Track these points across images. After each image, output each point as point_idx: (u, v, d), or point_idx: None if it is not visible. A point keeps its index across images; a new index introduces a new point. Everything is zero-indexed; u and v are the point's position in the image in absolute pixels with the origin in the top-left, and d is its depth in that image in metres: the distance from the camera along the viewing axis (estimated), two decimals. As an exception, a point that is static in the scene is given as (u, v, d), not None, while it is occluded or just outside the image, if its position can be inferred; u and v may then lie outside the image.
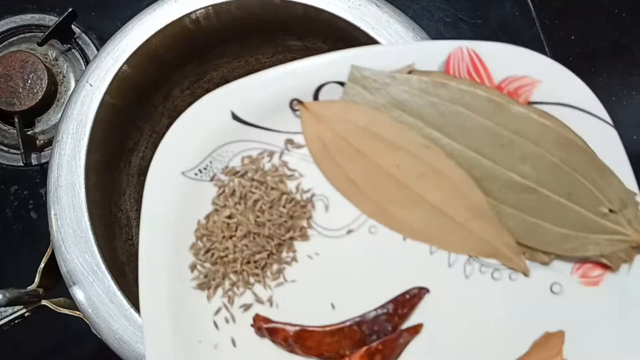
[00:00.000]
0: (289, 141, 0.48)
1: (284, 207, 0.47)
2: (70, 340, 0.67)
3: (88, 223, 0.53)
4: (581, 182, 0.43)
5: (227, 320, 0.47)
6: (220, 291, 0.47)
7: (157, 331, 0.46)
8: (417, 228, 0.46)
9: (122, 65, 0.56)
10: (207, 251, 0.47)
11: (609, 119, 0.44)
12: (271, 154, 0.48)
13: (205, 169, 0.47)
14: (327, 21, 0.55)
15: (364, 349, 0.45)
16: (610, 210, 0.43)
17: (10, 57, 0.73)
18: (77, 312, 0.51)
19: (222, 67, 0.66)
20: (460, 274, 0.46)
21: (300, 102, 0.46)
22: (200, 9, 0.56)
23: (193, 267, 0.47)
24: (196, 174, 0.47)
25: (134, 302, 0.52)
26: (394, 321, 0.45)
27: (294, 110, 0.47)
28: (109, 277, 0.51)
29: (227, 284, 0.47)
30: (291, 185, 0.48)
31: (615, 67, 0.74)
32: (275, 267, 0.47)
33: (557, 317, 0.45)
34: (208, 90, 0.59)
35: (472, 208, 0.44)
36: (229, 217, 0.47)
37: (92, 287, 0.51)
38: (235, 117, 0.47)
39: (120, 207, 0.65)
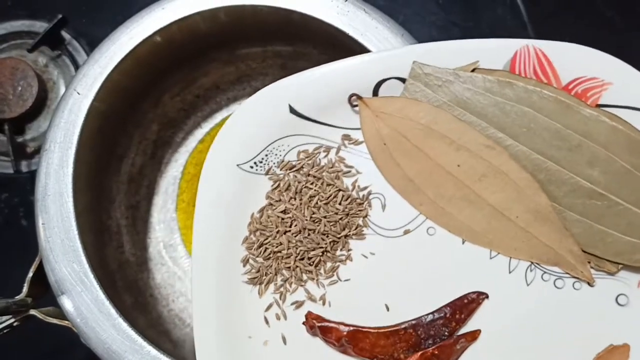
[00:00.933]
0: (347, 137, 0.47)
1: (340, 204, 0.46)
2: (60, 350, 0.66)
3: (76, 232, 0.52)
4: (653, 189, 0.41)
5: (278, 317, 0.46)
6: (272, 287, 0.46)
7: (207, 324, 0.45)
8: (477, 231, 0.44)
9: (110, 73, 0.55)
10: (261, 245, 0.46)
11: (683, 124, 0.42)
12: (328, 150, 0.47)
13: (261, 162, 0.47)
14: (317, 27, 0.54)
15: (419, 353, 0.43)
16: (683, 220, 0.40)
17: (0, 64, 0.72)
18: (66, 322, 0.49)
19: (212, 73, 0.65)
20: (522, 280, 0.44)
21: (359, 97, 0.45)
22: (188, 16, 0.56)
23: (245, 261, 0.46)
24: (252, 167, 0.46)
25: (123, 311, 0.51)
26: (451, 326, 0.44)
27: (353, 106, 0.46)
28: (97, 286, 0.51)
29: (279, 279, 0.46)
30: (348, 182, 0.47)
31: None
32: (329, 264, 0.46)
33: (622, 330, 0.43)
34: (198, 97, 0.61)
35: (536, 212, 0.43)
36: (284, 212, 0.46)
37: (80, 297, 0.48)
38: (293, 111, 0.46)
39: (110, 215, 0.65)
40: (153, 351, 0.48)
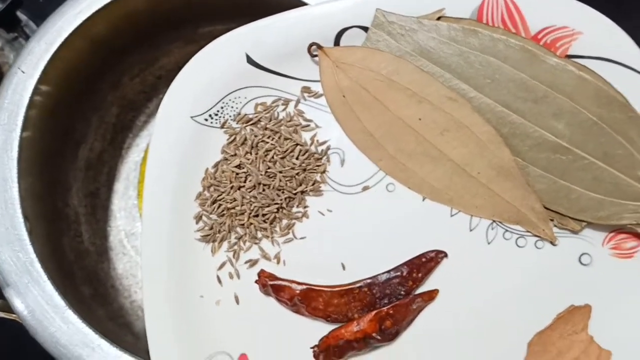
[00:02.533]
0: (306, 89, 0.45)
1: (297, 158, 0.44)
2: (9, 345, 0.64)
3: (21, 219, 0.49)
4: (620, 142, 0.39)
5: (231, 276, 0.44)
6: (225, 245, 0.45)
7: (156, 283, 0.44)
8: (438, 188, 0.42)
9: (57, 51, 0.51)
10: (214, 202, 0.44)
11: (654, 76, 0.40)
12: (286, 102, 0.45)
13: (216, 114, 0.44)
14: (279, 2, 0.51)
15: (374, 312, 0.42)
16: (651, 175, 0.39)
17: (-47, 47, 0.69)
18: (13, 315, 0.47)
19: (174, 52, 0.62)
20: (482, 239, 0.42)
21: (319, 46, 0.43)
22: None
23: (198, 218, 0.45)
24: (206, 120, 0.44)
25: (80, 303, 0.50)
26: (407, 285, 0.42)
27: (313, 56, 0.44)
28: (44, 277, 0.48)
29: (233, 237, 0.44)
30: (306, 136, 0.45)
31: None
32: (284, 222, 0.44)
33: (584, 290, 0.42)
34: (160, 78, 0.58)
35: (498, 167, 0.41)
36: (239, 166, 0.44)
37: (27, 288, 0.46)
38: (250, 61, 0.44)
39: (67, 202, 0.61)
40: (105, 344, 0.46)
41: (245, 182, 0.44)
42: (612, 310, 0.41)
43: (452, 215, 0.43)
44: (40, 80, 0.50)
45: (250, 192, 0.44)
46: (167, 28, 0.60)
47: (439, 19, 0.42)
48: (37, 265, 0.47)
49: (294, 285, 0.42)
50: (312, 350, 0.42)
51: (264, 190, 0.44)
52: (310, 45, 0.43)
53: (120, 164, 0.63)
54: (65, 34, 0.50)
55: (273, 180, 0.43)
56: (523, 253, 0.42)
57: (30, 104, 0.50)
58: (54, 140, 0.56)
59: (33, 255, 0.47)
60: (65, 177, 0.60)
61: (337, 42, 0.44)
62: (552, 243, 0.41)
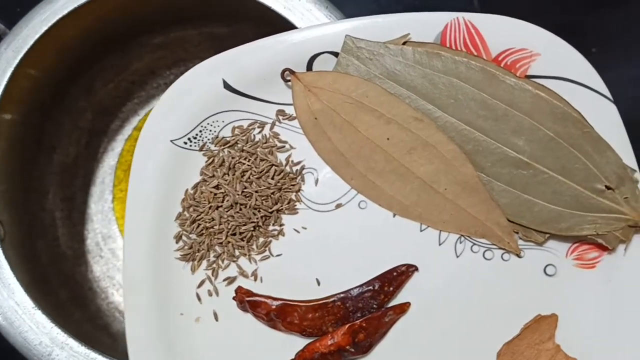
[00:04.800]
0: (281, 112, 0.47)
1: (272, 178, 0.46)
2: None
3: None
4: (577, 156, 0.41)
5: (210, 294, 0.46)
6: (204, 263, 0.46)
7: (138, 301, 0.45)
8: (407, 204, 0.44)
9: (25, 57, 0.52)
10: (193, 222, 0.46)
11: (608, 94, 0.42)
12: (262, 125, 0.47)
13: (195, 137, 0.47)
14: (251, 6, 0.53)
15: (347, 326, 0.43)
16: (607, 187, 0.41)
17: None
18: None
19: (146, 57, 0.63)
20: (451, 252, 0.44)
21: (291, 71, 0.45)
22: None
23: (178, 238, 0.46)
24: (185, 143, 0.46)
25: (53, 307, 0.51)
26: (379, 298, 0.43)
27: (286, 81, 0.46)
28: (14, 280, 0.49)
29: (212, 256, 0.46)
30: (281, 157, 0.47)
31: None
32: (261, 240, 0.46)
33: (550, 300, 0.43)
34: (133, 83, 0.58)
35: (463, 183, 0.43)
36: (217, 187, 0.46)
37: None
38: (227, 86, 0.46)
39: (43, 207, 0.63)
40: (74, 343, 0.49)
41: (223, 202, 0.46)
42: (577, 319, 0.42)
43: (421, 231, 0.44)
44: (9, 87, 0.51)
45: (227, 211, 0.45)
46: (139, 33, 0.62)
47: (404, 43, 0.44)
48: (7, 269, 0.49)
49: (269, 301, 0.44)
50: (287, 362, 0.43)
51: (240, 209, 0.45)
52: (284, 70, 0.45)
53: (96, 168, 0.64)
54: (31, 41, 0.52)
55: (249, 200, 0.45)
56: (490, 265, 0.44)
57: (1, 110, 0.51)
58: (27, 146, 0.58)
59: (2, 259, 0.49)
60: (41, 182, 0.62)
61: (309, 67, 0.46)
62: (518, 255, 0.43)
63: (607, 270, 0.42)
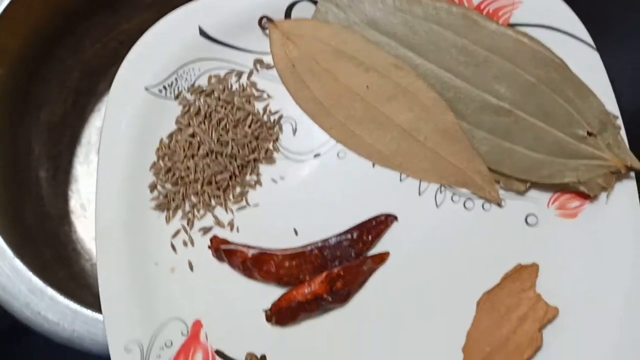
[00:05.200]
0: (259, 61, 0.46)
1: (249, 127, 0.45)
2: None
3: None
4: (558, 102, 0.40)
5: (185, 244, 0.45)
6: (179, 213, 0.45)
7: (111, 251, 0.44)
8: (386, 153, 0.43)
9: (7, 8, 0.51)
10: (168, 171, 0.45)
11: (590, 41, 0.42)
12: (239, 74, 0.46)
13: (170, 86, 0.45)
14: None
15: (325, 274, 0.42)
16: (589, 134, 0.40)
17: None
18: None
19: (135, 17, 0.62)
20: (431, 202, 0.43)
21: (269, 19, 0.44)
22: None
23: (153, 187, 0.45)
24: (160, 91, 0.45)
25: (41, 264, 0.50)
26: (358, 247, 0.43)
27: (264, 29, 0.45)
28: None
29: (187, 205, 0.45)
30: (259, 106, 0.46)
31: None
32: (238, 190, 0.45)
33: (531, 250, 0.42)
34: (122, 43, 0.57)
35: (444, 131, 0.42)
36: (192, 135, 0.45)
37: None
38: (203, 34, 0.45)
39: (29, 165, 0.62)
40: (53, 292, 0.48)
41: (198, 150, 0.45)
42: (558, 268, 0.42)
43: (401, 180, 0.44)
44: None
45: (203, 160, 0.44)
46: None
47: (384, -10, 0.43)
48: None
49: (245, 250, 0.43)
50: (264, 313, 0.43)
51: (216, 157, 0.44)
52: (261, 18, 0.44)
53: (83, 128, 0.63)
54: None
55: (225, 148, 0.44)
56: (471, 215, 0.43)
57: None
58: (13, 103, 0.56)
59: None
60: (27, 140, 0.60)
61: (287, 15, 0.45)
62: (499, 205, 0.42)
63: (588, 219, 0.42)
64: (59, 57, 0.61)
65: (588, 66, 0.41)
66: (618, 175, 0.40)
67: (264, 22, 0.44)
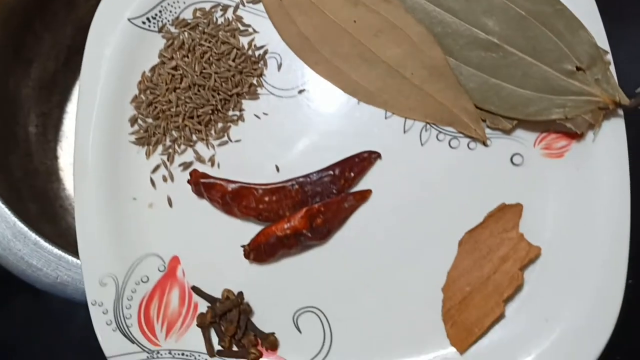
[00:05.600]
0: (245, -6, 0.45)
1: (233, 61, 0.44)
2: None
3: None
4: (548, 36, 0.39)
5: (165, 179, 0.44)
6: (160, 148, 0.44)
7: (87, 184, 0.43)
8: (372, 90, 0.43)
9: None
10: (150, 104, 0.44)
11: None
12: (225, 8, 0.45)
13: (154, 18, 0.44)
14: None
15: (305, 209, 0.41)
16: (578, 69, 0.39)
17: None
18: None
19: None
20: (416, 140, 0.42)
21: (257, -50, 0.43)
22: None
23: (134, 121, 0.44)
24: (144, 22, 0.44)
25: (27, 219, 0.49)
26: (339, 184, 0.42)
27: (251, -39, 0.44)
28: None
29: (168, 140, 0.44)
30: (244, 40, 0.45)
31: None
32: (220, 125, 0.44)
33: (516, 190, 0.42)
34: None
35: (431, 67, 0.41)
36: (175, 68, 0.44)
37: None
38: (189, -35, 0.44)
39: (18, 121, 0.61)
40: (37, 238, 0.47)
41: (180, 83, 0.44)
42: (542, 209, 0.41)
43: (386, 118, 0.43)
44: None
45: (185, 93, 0.44)
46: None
47: None
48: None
49: (225, 183, 0.42)
50: (242, 248, 0.42)
51: (198, 91, 0.43)
52: None
53: (74, 85, 0.62)
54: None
55: (208, 81, 0.43)
56: (456, 154, 0.42)
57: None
58: (4, 57, 0.56)
59: None
60: (17, 95, 0.60)
61: (276, -52, 0.44)
62: (484, 144, 0.41)
63: (575, 158, 0.41)
64: (53, 11, 0.60)
65: (580, 0, 0.40)
66: (606, 112, 0.39)
67: (251, -45, 0.43)
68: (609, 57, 0.39)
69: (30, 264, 0.48)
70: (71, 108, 0.62)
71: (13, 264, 0.48)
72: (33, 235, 0.48)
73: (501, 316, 0.40)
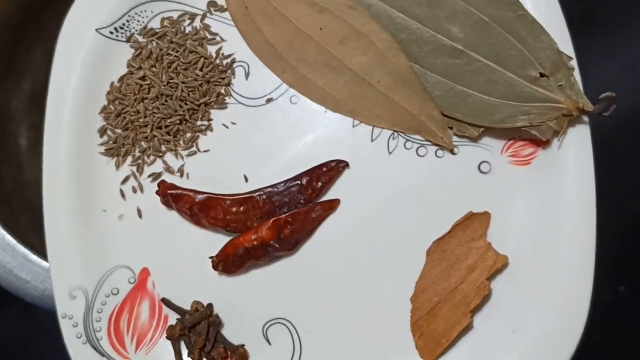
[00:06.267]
0: (212, 3, 0.45)
1: (200, 70, 0.44)
2: None
3: None
4: (511, 41, 0.39)
5: (134, 190, 0.44)
6: (129, 159, 0.44)
7: (57, 197, 0.43)
8: (339, 98, 0.42)
9: None
10: (118, 115, 0.44)
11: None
12: (193, 17, 0.45)
13: (122, 27, 0.44)
14: None
15: (272, 220, 0.41)
16: (541, 75, 0.39)
17: None
18: None
19: None
20: (384, 148, 0.42)
21: (223, -42, 0.43)
22: None
23: (102, 132, 0.44)
24: (112, 32, 0.44)
25: (17, 231, 0.50)
26: (307, 194, 0.42)
27: (217, -31, 0.44)
28: None
29: (137, 151, 0.44)
30: (212, 49, 0.45)
31: None
32: (188, 135, 0.44)
33: (483, 198, 0.41)
34: None
35: (396, 74, 0.41)
36: (142, 78, 0.44)
37: None
38: (155, -26, 0.44)
39: (9, 133, 0.61)
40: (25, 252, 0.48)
41: (148, 93, 0.44)
42: (510, 217, 0.41)
43: (354, 126, 0.43)
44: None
45: (153, 103, 0.44)
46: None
47: None
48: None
49: (193, 194, 0.42)
50: (209, 259, 0.42)
51: (166, 101, 0.43)
52: None
53: None
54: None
55: (175, 91, 0.43)
56: (423, 162, 0.42)
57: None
58: None
59: None
60: (8, 107, 0.60)
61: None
62: (452, 151, 0.41)
63: (542, 166, 0.41)
64: (44, 23, 0.60)
65: (544, 6, 0.40)
66: (571, 119, 0.39)
67: (217, -37, 0.43)
68: (573, 62, 0.39)
69: (18, 276, 0.48)
70: (62, 120, 0.61)
71: (2, 277, 0.48)
72: (22, 248, 0.48)
73: (469, 327, 0.40)
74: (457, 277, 0.40)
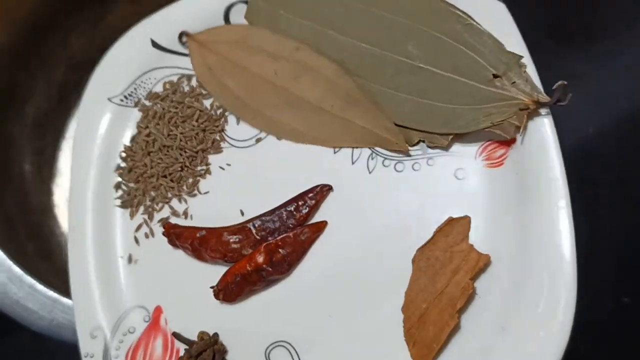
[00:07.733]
0: (204, 64, 0.50)
1: (196, 121, 0.49)
2: None
3: None
4: (463, 51, 0.41)
5: (147, 236, 0.48)
6: (141, 208, 0.49)
7: (82, 248, 0.48)
8: (302, 130, 0.46)
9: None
10: (130, 170, 0.49)
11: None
12: (189, 78, 0.51)
13: (130, 95, 0.51)
14: None
15: (263, 245, 0.44)
16: (495, 76, 0.40)
17: None
18: None
19: (119, 10, 0.63)
20: (364, 169, 0.45)
21: (187, 34, 0.49)
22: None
23: (117, 187, 0.50)
24: (122, 100, 0.50)
25: (23, 257, 0.52)
26: (296, 219, 0.44)
27: (183, 43, 0.50)
28: None
29: (147, 200, 0.49)
30: (206, 103, 0.50)
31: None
32: (190, 180, 0.48)
33: (462, 203, 0.42)
34: (106, 38, 0.57)
35: (346, 97, 0.44)
36: (148, 135, 0.49)
37: None
38: (155, 45, 0.51)
39: (12, 158, 0.62)
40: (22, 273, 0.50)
41: (153, 147, 0.49)
42: (489, 218, 0.42)
43: (335, 152, 0.46)
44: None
45: (157, 155, 0.49)
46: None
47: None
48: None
49: (193, 231, 0.46)
50: (211, 290, 0.45)
51: (168, 151, 0.48)
52: (180, 34, 0.49)
53: (68, 122, 0.65)
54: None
55: (174, 141, 0.48)
56: (402, 176, 0.44)
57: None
58: None
59: None
60: (12, 133, 0.61)
61: (227, 19, 0.50)
62: (408, 154, 0.43)
63: (513, 164, 0.41)
64: (46, 51, 0.62)
65: (496, 19, 0.42)
66: (529, 112, 0.40)
67: (183, 38, 0.49)
68: (525, 60, 0.40)
69: (25, 307, 0.50)
70: (65, 145, 0.64)
71: (9, 307, 0.50)
72: (29, 279, 0.51)
73: (457, 328, 0.40)
74: (443, 281, 0.40)
